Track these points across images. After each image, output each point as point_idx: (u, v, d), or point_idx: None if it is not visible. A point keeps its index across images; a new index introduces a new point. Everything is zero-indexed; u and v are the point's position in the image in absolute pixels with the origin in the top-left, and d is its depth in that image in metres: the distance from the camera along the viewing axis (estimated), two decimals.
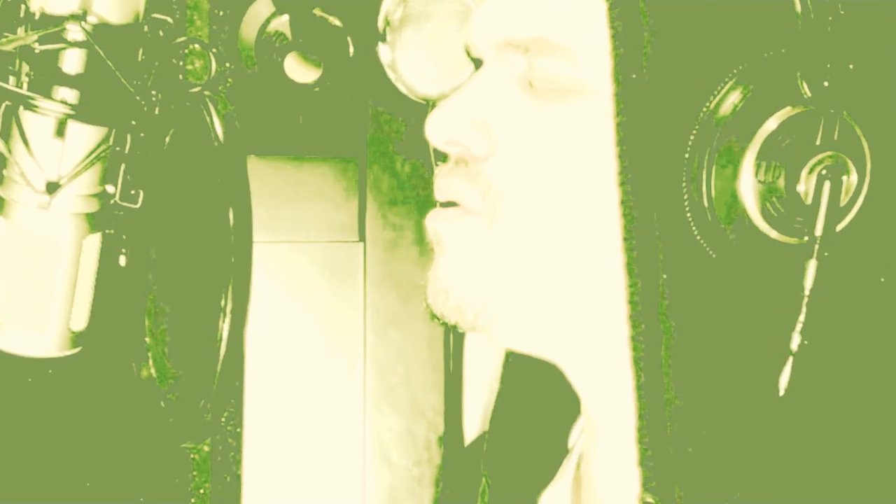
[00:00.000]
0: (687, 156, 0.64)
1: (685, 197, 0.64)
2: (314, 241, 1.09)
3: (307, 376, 1.07)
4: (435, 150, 0.75)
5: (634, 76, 0.63)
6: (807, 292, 0.62)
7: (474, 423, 1.11)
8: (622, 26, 0.63)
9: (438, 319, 0.73)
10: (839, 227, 0.64)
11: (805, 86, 0.63)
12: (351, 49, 1.14)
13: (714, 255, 0.64)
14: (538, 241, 0.70)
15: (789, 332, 0.62)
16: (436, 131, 0.72)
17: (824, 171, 0.62)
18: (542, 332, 0.72)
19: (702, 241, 0.64)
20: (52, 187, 0.87)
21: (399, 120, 1.15)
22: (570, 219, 0.69)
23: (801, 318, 0.62)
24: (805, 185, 0.62)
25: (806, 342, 0.62)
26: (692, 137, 0.64)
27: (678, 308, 0.64)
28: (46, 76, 0.85)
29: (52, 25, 0.83)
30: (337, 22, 1.14)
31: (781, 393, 0.62)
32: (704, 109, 0.63)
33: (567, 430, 0.86)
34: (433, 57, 1.08)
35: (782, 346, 0.62)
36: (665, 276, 0.63)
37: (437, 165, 0.76)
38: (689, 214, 0.64)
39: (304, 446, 1.06)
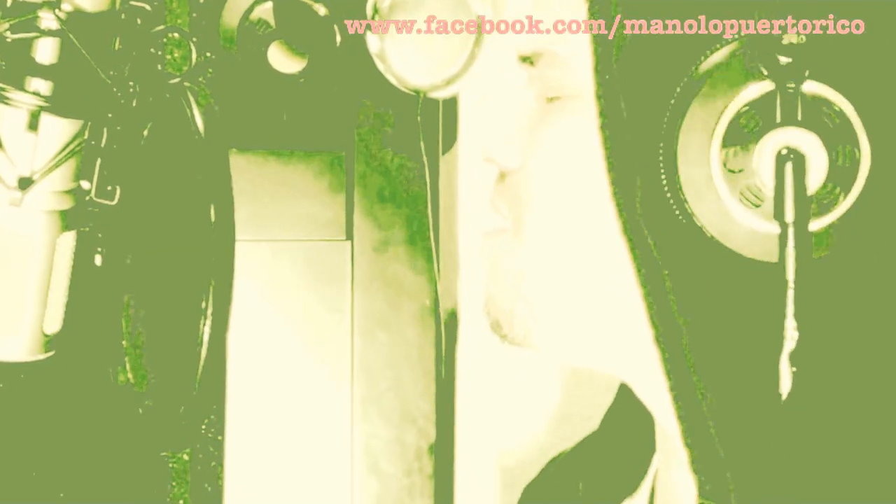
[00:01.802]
0: (661, 152, 0.63)
1: (668, 193, 0.63)
2: (299, 240, 1.07)
3: (292, 382, 1.04)
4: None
5: (608, 77, 0.63)
6: (791, 283, 0.60)
7: (468, 431, 1.10)
8: (598, 26, 0.64)
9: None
10: (842, 212, 0.62)
11: (761, 64, 0.61)
12: (338, 38, 1.12)
13: (706, 246, 0.64)
14: (557, 252, 0.73)
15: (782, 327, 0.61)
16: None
17: (784, 152, 0.60)
18: (581, 344, 0.75)
19: (691, 236, 0.64)
20: (25, 183, 0.85)
21: (389, 113, 1.12)
22: (584, 227, 0.71)
23: (790, 311, 0.60)
24: (767, 168, 0.61)
25: (797, 333, 0.60)
26: (663, 132, 0.63)
27: (685, 304, 0.64)
28: (18, 66, 0.83)
29: (24, 13, 0.82)
30: (323, 10, 1.13)
31: (784, 397, 0.60)
32: (671, 104, 0.63)
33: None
34: (425, 46, 1.06)
35: (780, 343, 0.61)
36: (666, 272, 0.63)
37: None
38: (675, 210, 0.63)
39: (288, 455, 1.04)
